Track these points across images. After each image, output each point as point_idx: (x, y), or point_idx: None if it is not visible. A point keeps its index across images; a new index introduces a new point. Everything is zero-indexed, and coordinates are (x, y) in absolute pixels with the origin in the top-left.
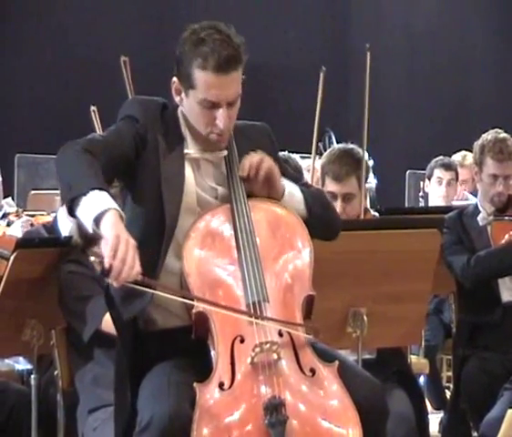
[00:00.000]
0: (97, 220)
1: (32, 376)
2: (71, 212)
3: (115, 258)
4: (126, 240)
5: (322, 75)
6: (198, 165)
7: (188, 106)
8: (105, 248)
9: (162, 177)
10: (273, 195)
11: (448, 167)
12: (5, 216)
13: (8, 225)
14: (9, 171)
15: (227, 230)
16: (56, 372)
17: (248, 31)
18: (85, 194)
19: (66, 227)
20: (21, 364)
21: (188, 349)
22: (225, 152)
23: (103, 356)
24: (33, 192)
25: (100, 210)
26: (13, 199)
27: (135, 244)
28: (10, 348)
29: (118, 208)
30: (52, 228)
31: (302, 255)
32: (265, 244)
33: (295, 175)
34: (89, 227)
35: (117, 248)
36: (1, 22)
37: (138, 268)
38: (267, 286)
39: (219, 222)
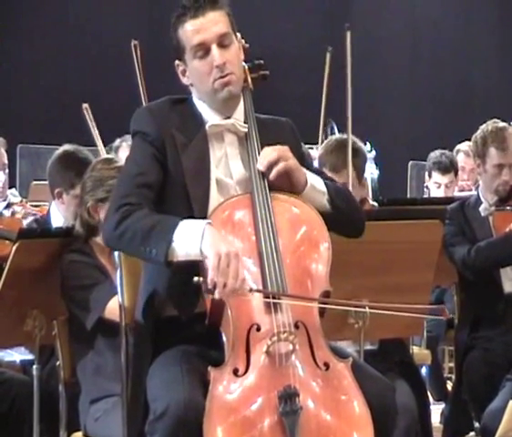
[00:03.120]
0: (201, 250)
1: (34, 366)
2: (171, 266)
3: (217, 275)
4: (226, 254)
5: (328, 55)
6: (221, 138)
7: (191, 74)
8: (209, 266)
9: (184, 170)
10: (294, 188)
11: (445, 170)
12: (9, 206)
13: (13, 215)
14: (11, 162)
15: (247, 219)
16: (57, 363)
17: (247, 20)
18: (172, 241)
19: (58, 220)
20: (10, 353)
21: (196, 336)
22: (246, 127)
23: (104, 346)
24: (35, 183)
25: (199, 239)
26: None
27: (236, 253)
28: (12, 338)
29: (205, 221)
30: (45, 221)
31: (320, 250)
32: (285, 237)
33: (319, 170)
34: (196, 258)
35: (218, 264)
36: (3, 12)
37: (242, 275)
38: (286, 277)
39: (239, 211)
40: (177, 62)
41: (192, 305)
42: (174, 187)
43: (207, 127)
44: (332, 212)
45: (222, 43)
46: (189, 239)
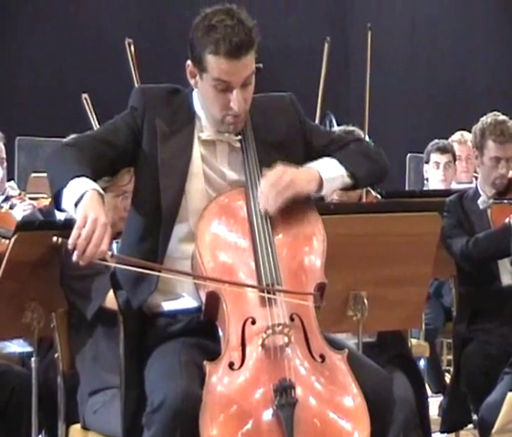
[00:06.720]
0: (76, 206)
1: (32, 359)
2: (58, 208)
3: (79, 237)
4: (93, 219)
5: (326, 45)
6: (213, 145)
7: (202, 89)
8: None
9: (159, 160)
10: (308, 197)
11: (444, 150)
12: (7, 199)
13: (11, 208)
14: (10, 154)
15: (242, 213)
16: (56, 355)
17: (249, 13)
18: (65, 186)
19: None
20: (9, 345)
21: (194, 330)
22: (239, 140)
23: (103, 337)
24: (33, 175)
25: (78, 196)
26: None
27: (104, 223)
28: (11, 330)
29: (96, 187)
30: (48, 211)
31: (315, 243)
32: (279, 230)
33: (326, 133)
34: (74, 215)
35: (82, 227)
36: (2, 4)
37: (104, 246)
38: (280, 270)
39: (233, 205)
40: (189, 63)
41: (142, 295)
42: (146, 174)
43: (199, 134)
44: (359, 182)
45: (245, 82)
46: (73, 193)
